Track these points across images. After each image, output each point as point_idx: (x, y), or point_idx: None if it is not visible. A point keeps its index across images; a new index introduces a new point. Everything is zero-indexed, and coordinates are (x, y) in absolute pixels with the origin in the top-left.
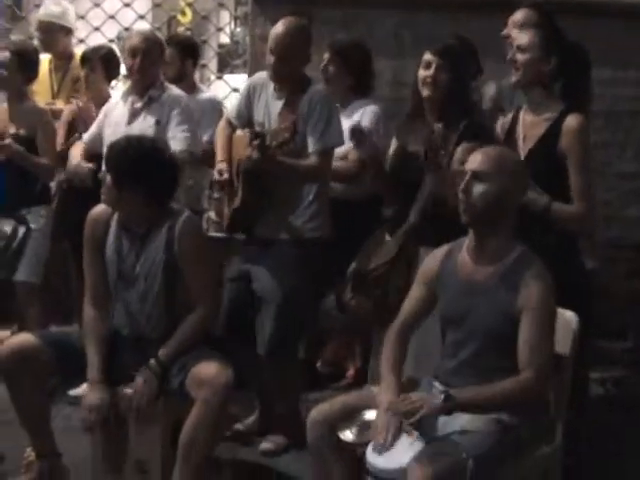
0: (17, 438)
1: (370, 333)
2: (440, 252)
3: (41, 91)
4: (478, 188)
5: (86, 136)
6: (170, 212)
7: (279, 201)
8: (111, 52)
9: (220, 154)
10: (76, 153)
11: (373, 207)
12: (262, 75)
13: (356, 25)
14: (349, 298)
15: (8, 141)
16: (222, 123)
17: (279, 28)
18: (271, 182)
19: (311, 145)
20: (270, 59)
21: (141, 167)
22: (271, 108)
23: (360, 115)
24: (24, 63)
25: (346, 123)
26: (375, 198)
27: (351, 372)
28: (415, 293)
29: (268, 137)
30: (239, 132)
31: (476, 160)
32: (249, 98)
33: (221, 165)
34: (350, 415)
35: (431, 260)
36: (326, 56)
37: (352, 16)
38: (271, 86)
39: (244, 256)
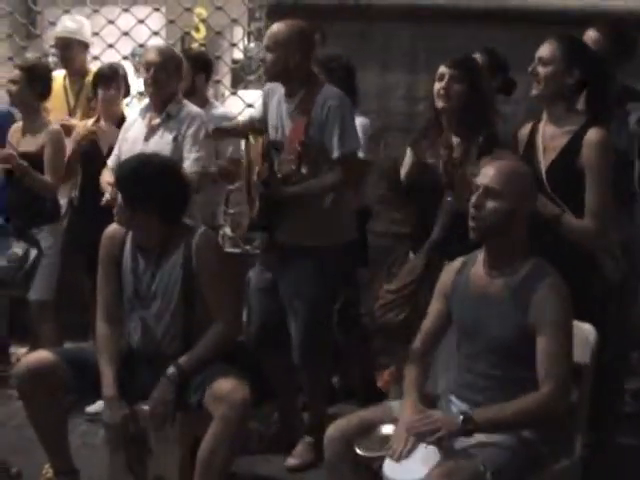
0: (35, 455)
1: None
2: (454, 265)
3: (57, 108)
4: (490, 204)
5: (110, 160)
6: (185, 229)
7: (297, 207)
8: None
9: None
10: (107, 180)
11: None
12: None
13: (371, 39)
14: (378, 315)
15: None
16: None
17: (273, 27)
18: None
19: (333, 152)
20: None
21: (152, 186)
22: (283, 112)
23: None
24: (35, 80)
25: None
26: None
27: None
28: (433, 308)
29: (275, 164)
30: (252, 140)
31: (488, 175)
32: (266, 102)
33: None
34: (367, 430)
35: (446, 274)
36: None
37: (367, 30)
38: (282, 89)
39: (266, 265)
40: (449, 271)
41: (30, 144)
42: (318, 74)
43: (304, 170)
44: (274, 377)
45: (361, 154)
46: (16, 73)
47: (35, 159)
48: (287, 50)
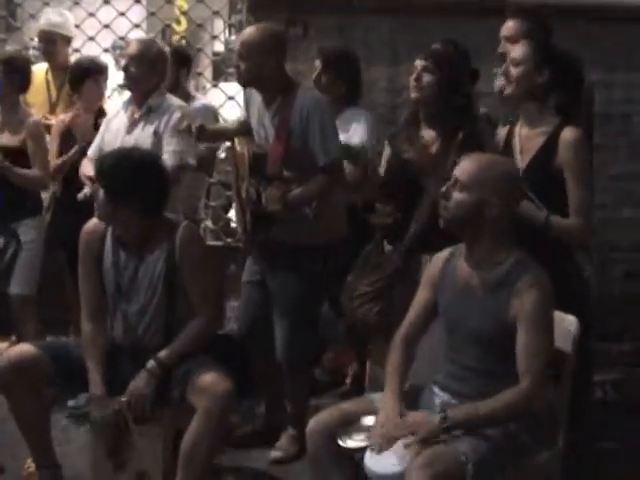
0: (17, 449)
1: (368, 341)
2: (442, 256)
3: (38, 102)
4: (456, 195)
5: (91, 151)
6: (167, 223)
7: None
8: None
9: None
10: (87, 171)
11: (365, 214)
12: None
13: (351, 32)
14: (355, 307)
15: None
16: None
17: (245, 33)
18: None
19: (318, 160)
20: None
21: (133, 181)
22: (264, 119)
23: (354, 127)
24: (13, 72)
25: (341, 133)
26: (368, 205)
27: (349, 379)
28: (419, 297)
29: (263, 198)
30: (239, 148)
31: (461, 167)
32: (247, 107)
33: None
34: (349, 422)
35: (433, 264)
36: (318, 65)
37: (347, 23)
38: (259, 96)
39: (257, 259)
40: (437, 261)
41: (10, 138)
42: (324, 70)
43: (287, 174)
44: (259, 369)
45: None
46: None
47: (17, 153)
48: (261, 57)
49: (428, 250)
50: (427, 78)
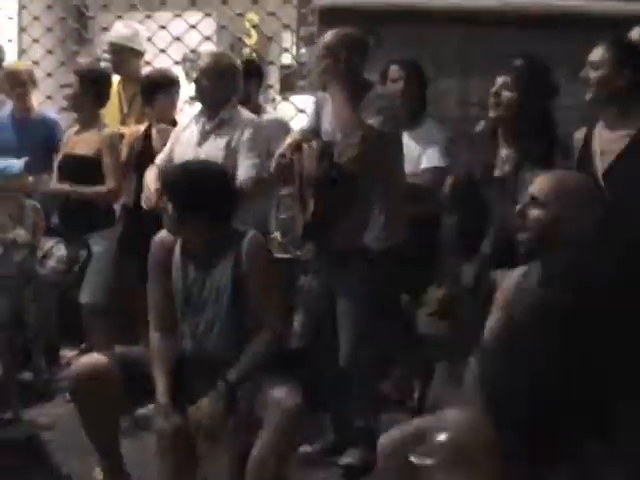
0: (86, 458)
1: (435, 357)
2: (516, 273)
3: (110, 113)
4: (534, 213)
5: (158, 159)
6: (235, 234)
7: (349, 214)
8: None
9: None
10: (151, 177)
11: (433, 225)
12: None
13: (421, 42)
14: (427, 322)
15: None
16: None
17: (326, 35)
18: (343, 194)
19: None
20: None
21: (200, 193)
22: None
23: (428, 139)
24: (90, 85)
25: (420, 144)
26: (435, 216)
27: (417, 395)
28: (494, 316)
29: (335, 152)
30: (306, 146)
31: (536, 184)
32: (318, 112)
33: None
34: (422, 439)
35: (507, 282)
36: (400, 74)
37: (417, 33)
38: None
39: (319, 269)
40: (510, 279)
41: (86, 148)
42: (408, 80)
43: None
44: (327, 383)
45: (440, 162)
46: (72, 78)
47: (91, 164)
48: (339, 57)
49: (499, 267)
50: (506, 94)
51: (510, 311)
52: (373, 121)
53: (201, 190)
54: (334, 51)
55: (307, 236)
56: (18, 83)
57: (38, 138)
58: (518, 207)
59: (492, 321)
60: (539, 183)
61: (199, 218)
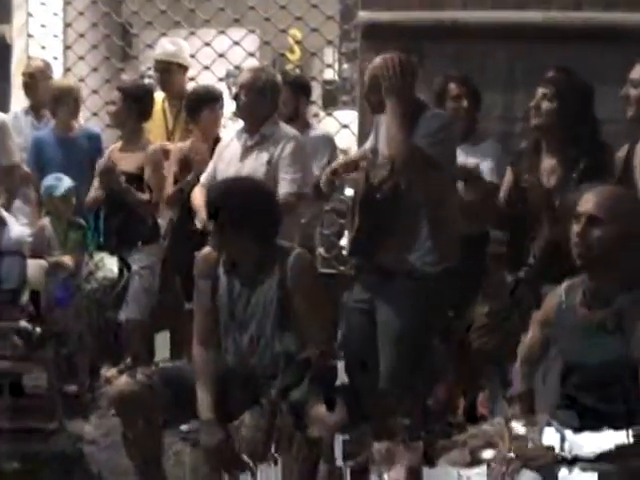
0: (128, 473)
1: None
2: (559, 291)
3: (155, 130)
4: (595, 233)
5: (203, 178)
6: (279, 250)
7: (396, 232)
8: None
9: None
10: (199, 198)
11: (482, 243)
12: None
13: (467, 59)
14: (472, 339)
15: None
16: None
17: (375, 61)
18: (387, 212)
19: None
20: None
21: (242, 210)
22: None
23: (491, 154)
24: (134, 101)
25: (475, 159)
26: (484, 234)
27: (461, 411)
28: (533, 335)
29: (371, 174)
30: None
31: (590, 203)
32: (376, 132)
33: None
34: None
35: (550, 299)
36: (457, 91)
37: (463, 49)
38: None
39: (365, 285)
40: (553, 296)
41: (130, 164)
42: (465, 95)
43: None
44: (368, 400)
45: (490, 176)
46: (115, 94)
47: (135, 179)
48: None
49: (547, 281)
50: (546, 106)
51: (546, 329)
52: (425, 141)
53: (244, 208)
54: (384, 76)
55: (352, 252)
56: (64, 100)
57: (82, 153)
58: (578, 228)
59: (528, 337)
60: (595, 200)
61: (241, 234)
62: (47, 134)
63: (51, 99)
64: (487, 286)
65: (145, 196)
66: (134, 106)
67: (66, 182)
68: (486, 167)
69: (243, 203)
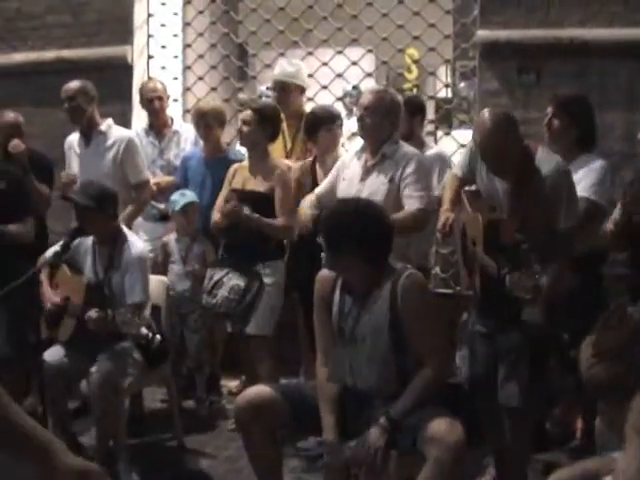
0: None
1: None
2: None
3: (274, 149)
4: None
5: (319, 188)
6: (391, 270)
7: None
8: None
9: (446, 203)
10: (307, 205)
11: (593, 264)
12: None
13: (587, 77)
14: (591, 365)
15: (233, 203)
16: (449, 176)
17: (486, 124)
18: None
19: (559, 224)
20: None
21: (353, 230)
22: (497, 187)
23: (584, 172)
24: (265, 121)
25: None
26: (595, 255)
27: (579, 434)
28: None
29: (507, 280)
30: (469, 209)
31: None
32: (473, 159)
33: (447, 214)
34: None
35: None
36: (549, 110)
37: (582, 68)
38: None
39: (485, 311)
40: None
41: (259, 185)
42: (555, 115)
43: (520, 237)
44: (487, 421)
45: (593, 196)
46: (248, 113)
47: (264, 200)
48: (503, 150)
49: None
50: None
51: None
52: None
53: (353, 226)
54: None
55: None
56: (204, 122)
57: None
58: None
59: None
60: None
61: (353, 254)
62: (195, 153)
63: (199, 120)
64: (609, 314)
65: (277, 221)
66: (265, 126)
67: (188, 197)
68: (583, 186)
69: (352, 224)
